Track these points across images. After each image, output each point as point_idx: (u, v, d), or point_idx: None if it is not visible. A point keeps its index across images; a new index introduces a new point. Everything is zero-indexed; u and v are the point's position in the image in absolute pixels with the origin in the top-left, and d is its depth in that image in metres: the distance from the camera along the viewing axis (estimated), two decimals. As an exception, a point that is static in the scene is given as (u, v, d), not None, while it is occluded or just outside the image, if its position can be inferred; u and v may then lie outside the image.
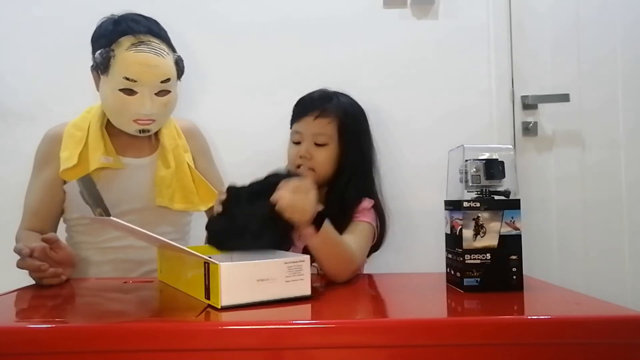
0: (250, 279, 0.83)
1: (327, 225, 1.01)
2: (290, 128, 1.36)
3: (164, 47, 1.27)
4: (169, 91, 1.28)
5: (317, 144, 1.28)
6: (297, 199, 0.95)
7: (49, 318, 0.86)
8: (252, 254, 0.94)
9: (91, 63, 1.30)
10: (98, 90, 1.32)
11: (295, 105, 1.35)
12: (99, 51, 1.23)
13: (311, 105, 1.30)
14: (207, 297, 0.85)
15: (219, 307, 0.81)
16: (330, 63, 1.58)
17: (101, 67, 1.23)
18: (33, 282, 1.09)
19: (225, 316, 0.80)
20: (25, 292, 1.04)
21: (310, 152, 1.27)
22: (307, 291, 0.88)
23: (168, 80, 1.26)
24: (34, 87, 1.58)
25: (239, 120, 1.58)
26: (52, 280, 1.07)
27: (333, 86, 1.41)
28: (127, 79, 1.22)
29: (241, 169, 1.57)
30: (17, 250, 1.05)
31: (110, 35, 1.24)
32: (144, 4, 1.34)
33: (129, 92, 1.23)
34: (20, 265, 1.05)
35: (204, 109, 1.57)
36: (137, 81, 1.22)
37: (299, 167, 1.29)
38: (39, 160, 1.34)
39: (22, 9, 1.59)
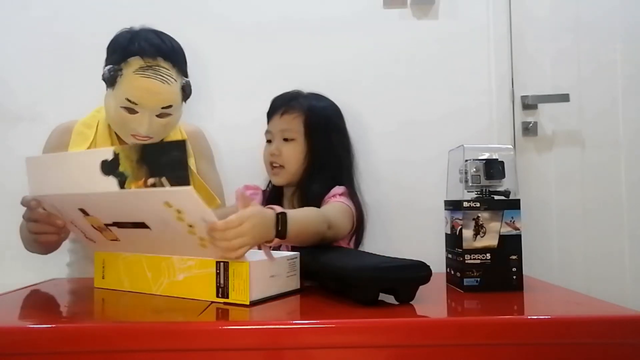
0: (266, 275, 0.90)
1: (290, 218, 0.93)
2: None
3: (172, 72, 1.26)
4: (171, 114, 1.28)
5: (285, 140, 1.31)
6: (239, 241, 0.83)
7: (49, 318, 0.86)
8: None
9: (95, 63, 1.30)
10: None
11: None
12: (107, 67, 1.24)
13: (278, 104, 1.34)
14: (222, 295, 0.87)
15: (248, 302, 0.84)
16: (330, 63, 1.58)
17: (108, 82, 1.25)
18: (33, 286, 1.08)
19: (225, 316, 0.81)
20: (25, 291, 1.04)
21: (279, 148, 1.31)
22: (298, 285, 0.97)
23: (170, 106, 1.26)
24: (33, 87, 1.58)
25: (239, 120, 1.58)
26: (51, 237, 1.03)
27: (333, 86, 1.42)
28: (129, 100, 1.23)
29: (241, 168, 1.58)
30: (25, 203, 1.02)
31: (123, 52, 1.24)
32: (143, 4, 1.34)
33: (130, 110, 1.24)
34: (29, 217, 1.02)
35: (204, 108, 1.57)
36: (138, 104, 1.23)
37: (271, 164, 1.33)
38: (48, 152, 1.33)
39: (21, 9, 1.59)
